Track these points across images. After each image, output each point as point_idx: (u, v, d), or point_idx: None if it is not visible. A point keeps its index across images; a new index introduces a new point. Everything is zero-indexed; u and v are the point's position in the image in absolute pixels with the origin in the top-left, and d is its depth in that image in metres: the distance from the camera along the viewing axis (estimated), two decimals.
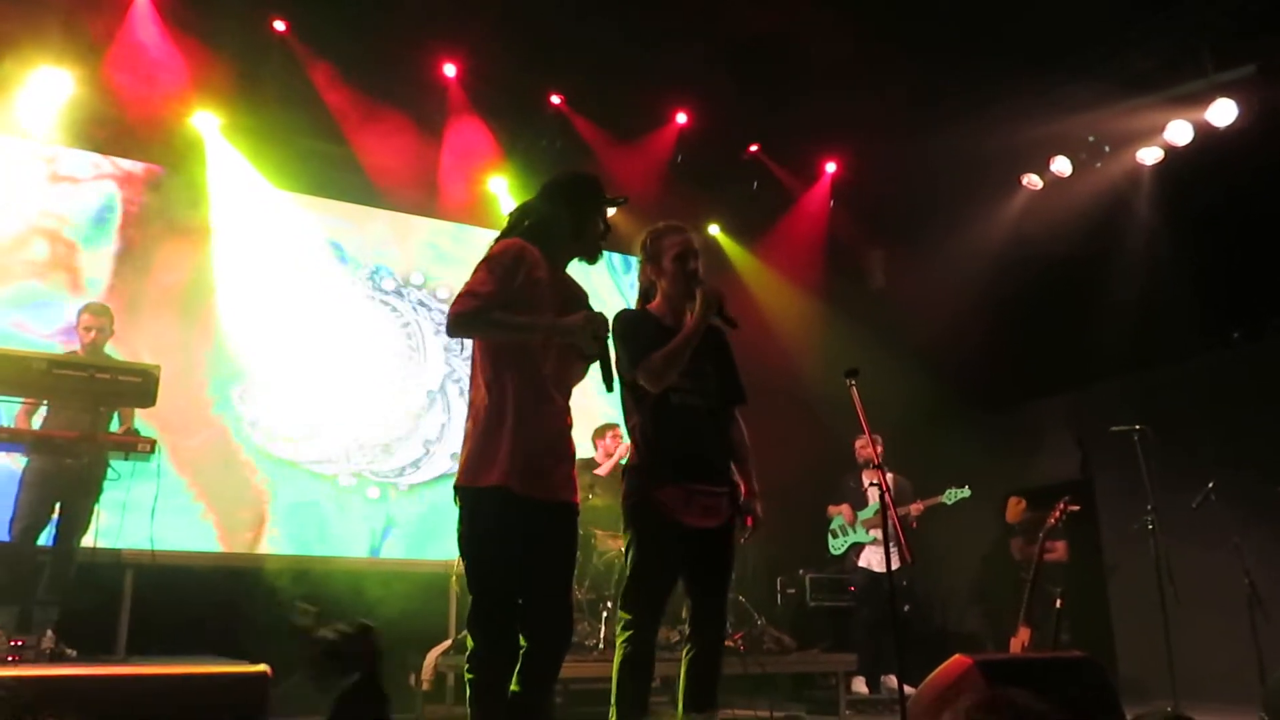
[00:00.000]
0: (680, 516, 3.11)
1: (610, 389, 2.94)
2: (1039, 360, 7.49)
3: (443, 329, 3.24)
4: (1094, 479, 7.29)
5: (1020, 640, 5.87)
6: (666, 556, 3.13)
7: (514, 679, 2.73)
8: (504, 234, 2.97)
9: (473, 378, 2.88)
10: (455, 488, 2.77)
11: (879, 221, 8.41)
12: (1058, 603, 5.59)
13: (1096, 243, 7.05)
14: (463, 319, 2.74)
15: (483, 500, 2.71)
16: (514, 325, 2.77)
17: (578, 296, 3.03)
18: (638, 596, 3.12)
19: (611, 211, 3.10)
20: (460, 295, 2.77)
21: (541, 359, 2.84)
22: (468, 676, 2.68)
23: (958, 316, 7.33)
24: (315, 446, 6.73)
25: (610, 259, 8.13)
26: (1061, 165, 7.27)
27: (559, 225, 2.97)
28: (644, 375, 3.15)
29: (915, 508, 6.69)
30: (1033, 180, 7.47)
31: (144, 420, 5.82)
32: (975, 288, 7.41)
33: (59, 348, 5.56)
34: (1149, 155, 6.91)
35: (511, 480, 2.69)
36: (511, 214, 3.07)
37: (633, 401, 3.26)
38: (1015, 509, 6.96)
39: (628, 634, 3.07)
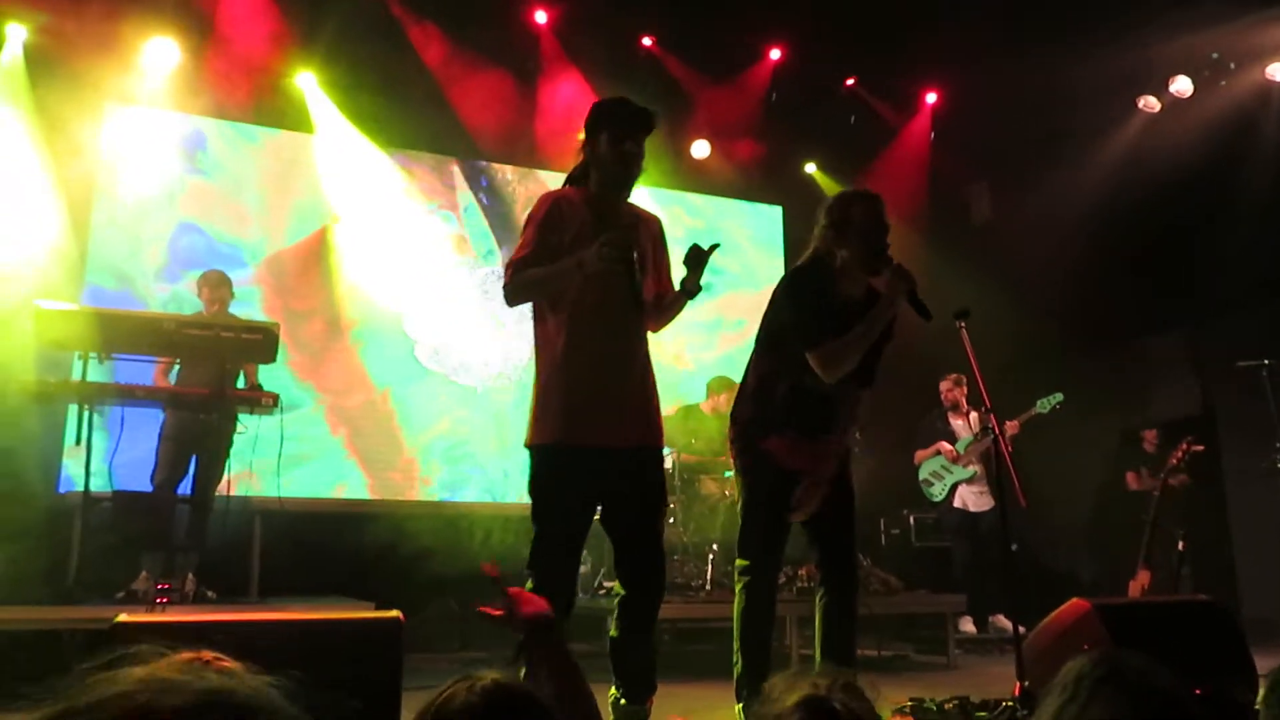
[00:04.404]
0: (787, 464, 3.10)
1: (637, 300, 2.82)
2: (1156, 292, 7.18)
3: None
4: (1216, 415, 7.00)
5: (1140, 583, 5.74)
6: (777, 500, 3.12)
7: (613, 624, 2.85)
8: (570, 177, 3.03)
9: (536, 320, 2.93)
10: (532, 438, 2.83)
11: (983, 153, 8.11)
12: (1180, 545, 5.42)
13: (1220, 167, 6.67)
14: (506, 291, 2.83)
15: (539, 457, 2.81)
16: (544, 278, 2.80)
17: (632, 225, 2.91)
18: (751, 541, 3.13)
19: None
20: (506, 267, 2.85)
21: (586, 303, 2.80)
22: None
23: (1068, 249, 7.06)
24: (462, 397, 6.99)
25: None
26: (1182, 85, 6.90)
27: (601, 159, 2.92)
28: (818, 362, 3.00)
29: (1011, 426, 6.40)
30: (1150, 102, 7.10)
31: (300, 376, 6.09)
32: (1086, 218, 7.12)
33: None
34: (1279, 71, 6.49)
35: (565, 434, 2.74)
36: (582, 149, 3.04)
37: (776, 354, 3.15)
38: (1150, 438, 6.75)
39: (745, 580, 3.09)
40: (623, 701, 2.82)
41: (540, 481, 2.81)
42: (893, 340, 3.19)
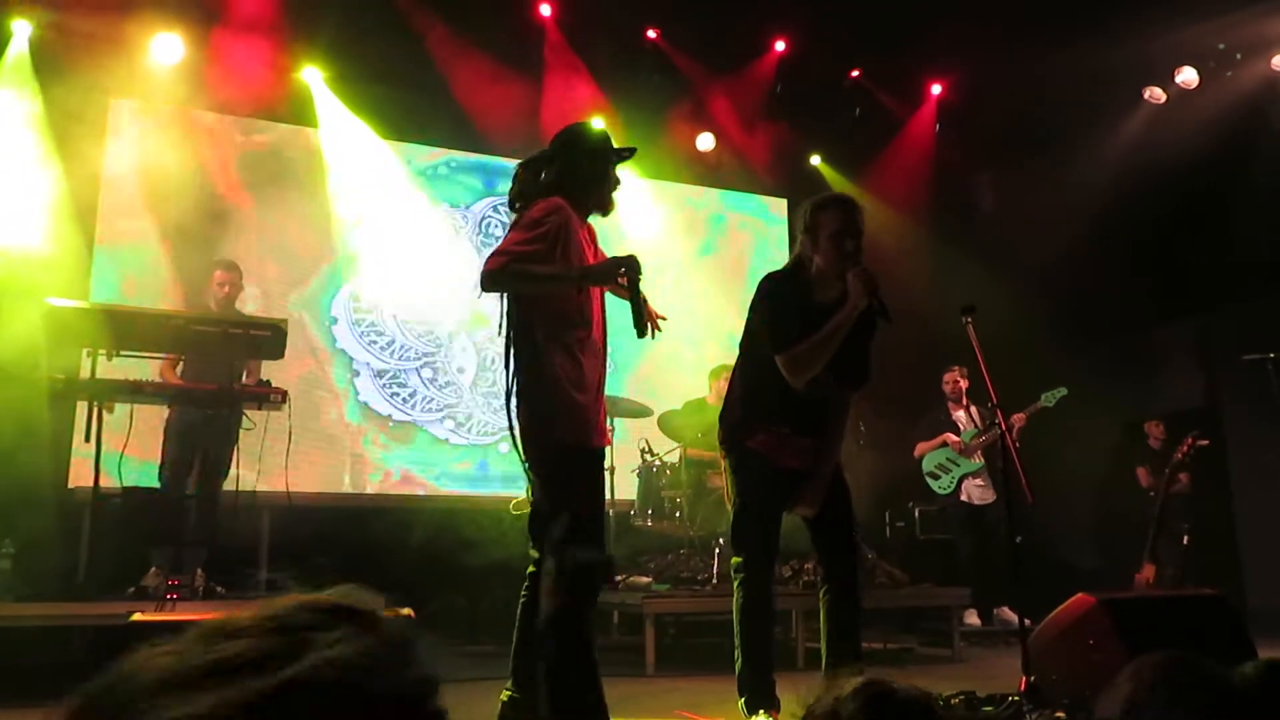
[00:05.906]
0: (776, 461, 3.15)
1: (641, 335, 2.97)
2: (1162, 283, 7.17)
3: None
4: (1222, 408, 7.00)
5: (1145, 577, 5.75)
6: (768, 497, 3.17)
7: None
8: (527, 192, 3.00)
9: (525, 333, 2.91)
10: (545, 443, 2.86)
11: (989, 144, 8.10)
12: (1185, 540, 5.43)
13: (1226, 159, 6.66)
14: (496, 275, 2.79)
15: (592, 459, 2.91)
16: (544, 276, 2.84)
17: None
18: (744, 538, 3.18)
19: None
20: (494, 254, 2.80)
21: (589, 310, 2.93)
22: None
23: (1073, 240, 7.06)
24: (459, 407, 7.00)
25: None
26: (1188, 76, 6.87)
27: (588, 179, 3.03)
28: (787, 366, 3.06)
29: (1017, 418, 6.38)
30: (1156, 94, 7.08)
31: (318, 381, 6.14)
32: (1092, 209, 7.12)
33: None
34: None
35: (600, 437, 2.94)
36: (527, 168, 3.06)
37: (759, 358, 3.19)
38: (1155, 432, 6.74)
39: (740, 577, 3.13)
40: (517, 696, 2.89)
41: (588, 484, 2.90)
42: (874, 337, 3.24)
